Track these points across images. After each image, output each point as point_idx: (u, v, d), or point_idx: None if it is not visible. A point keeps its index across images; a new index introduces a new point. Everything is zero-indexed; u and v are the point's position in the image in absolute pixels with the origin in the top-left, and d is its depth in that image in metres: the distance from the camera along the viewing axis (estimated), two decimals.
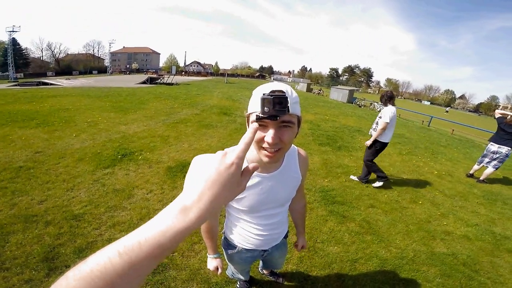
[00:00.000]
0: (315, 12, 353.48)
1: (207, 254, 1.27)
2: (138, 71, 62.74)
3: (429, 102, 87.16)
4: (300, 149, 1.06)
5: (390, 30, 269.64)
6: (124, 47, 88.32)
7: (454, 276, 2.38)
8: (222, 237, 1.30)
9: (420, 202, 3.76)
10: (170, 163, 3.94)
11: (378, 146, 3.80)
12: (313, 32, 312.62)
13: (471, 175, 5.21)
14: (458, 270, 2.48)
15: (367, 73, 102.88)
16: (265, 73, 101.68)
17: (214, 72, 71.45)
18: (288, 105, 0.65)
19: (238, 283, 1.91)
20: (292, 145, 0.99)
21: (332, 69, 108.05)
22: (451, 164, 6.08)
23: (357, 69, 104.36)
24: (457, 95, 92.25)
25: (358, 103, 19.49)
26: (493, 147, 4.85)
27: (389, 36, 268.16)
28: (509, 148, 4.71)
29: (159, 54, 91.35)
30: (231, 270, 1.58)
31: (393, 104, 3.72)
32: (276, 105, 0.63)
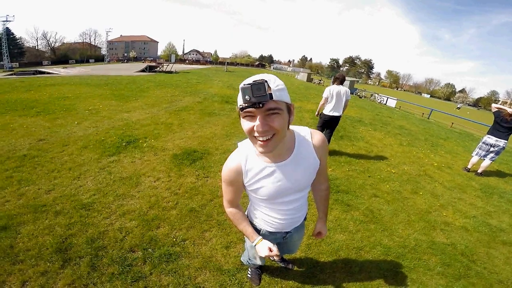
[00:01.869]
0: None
1: (251, 243, 1.18)
2: (136, 59, 61.64)
3: (429, 95, 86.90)
4: (315, 131, 1.04)
5: (395, 21, 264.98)
6: (121, 35, 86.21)
7: (453, 265, 2.47)
8: None
9: (421, 193, 3.82)
10: (175, 150, 3.95)
11: (322, 117, 4.53)
12: (314, 21, 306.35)
13: (468, 170, 5.25)
14: (457, 259, 2.56)
15: (368, 64, 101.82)
16: (265, 62, 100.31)
17: (214, 60, 70.36)
18: (270, 92, 0.68)
19: (250, 270, 1.95)
20: (306, 128, 1.03)
21: (332, 59, 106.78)
22: (451, 157, 6.13)
23: (358, 60, 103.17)
24: (457, 89, 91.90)
25: (358, 94, 19.40)
26: (491, 140, 4.88)
27: (393, 27, 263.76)
28: (506, 141, 4.75)
29: (157, 42, 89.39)
30: (247, 255, 1.63)
31: (338, 84, 4.36)
32: (256, 91, 0.65)
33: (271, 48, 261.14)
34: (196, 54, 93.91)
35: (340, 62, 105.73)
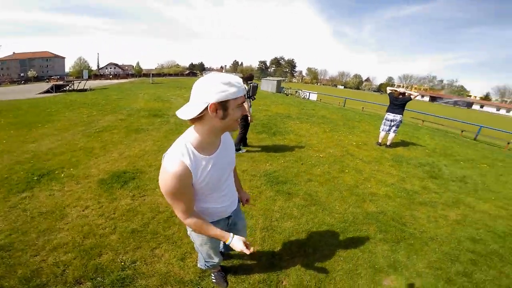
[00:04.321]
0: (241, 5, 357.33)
1: (225, 242, 1.21)
2: (38, 79, 51.47)
3: (343, 86, 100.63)
4: None
5: (312, 20, 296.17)
6: (14, 53, 70.95)
7: (390, 231, 2.82)
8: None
9: (347, 170, 4.43)
10: (101, 175, 3.55)
11: None
12: (242, 25, 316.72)
13: (380, 144, 6.39)
14: (390, 225, 2.93)
15: (291, 64, 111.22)
16: (196, 70, 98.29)
17: (136, 73, 64.95)
18: None
19: (213, 275, 1.93)
20: None
21: (261, 61, 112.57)
22: (365, 135, 7.31)
23: (282, 60, 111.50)
24: (364, 78, 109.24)
25: (285, 92, 21.02)
26: (390, 116, 6.07)
27: (310, 26, 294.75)
28: (401, 115, 5.98)
29: (64, 58, 76.89)
30: (202, 259, 1.63)
31: (247, 83, 4.51)
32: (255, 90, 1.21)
33: (201, 55, 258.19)
34: (115, 68, 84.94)
35: (268, 63, 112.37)
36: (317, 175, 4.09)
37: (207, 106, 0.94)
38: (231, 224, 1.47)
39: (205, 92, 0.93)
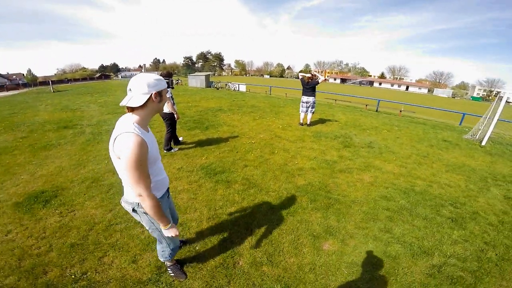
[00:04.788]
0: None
1: (167, 227, 1.52)
2: None
3: (269, 76, 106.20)
4: None
5: (238, 11, 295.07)
6: None
7: (318, 199, 3.21)
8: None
9: (276, 151, 4.97)
10: (15, 199, 3.13)
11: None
12: (161, 21, 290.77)
13: (302, 124, 7.29)
14: (318, 194, 3.33)
15: (219, 58, 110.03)
16: (108, 72, 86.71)
17: (29, 82, 53.21)
18: None
19: (170, 269, 2.03)
20: None
21: (186, 57, 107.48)
22: (289, 118, 8.20)
23: (209, 54, 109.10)
24: (286, 67, 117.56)
25: (215, 86, 21.05)
26: (304, 98, 6.99)
27: (236, 18, 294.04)
28: (314, 97, 6.95)
29: None
30: (167, 248, 1.82)
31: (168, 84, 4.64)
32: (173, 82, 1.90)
33: (114, 56, 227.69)
34: None
35: (194, 59, 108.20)
36: (251, 160, 4.50)
37: (151, 95, 1.34)
38: (169, 196, 1.79)
39: (147, 87, 1.32)
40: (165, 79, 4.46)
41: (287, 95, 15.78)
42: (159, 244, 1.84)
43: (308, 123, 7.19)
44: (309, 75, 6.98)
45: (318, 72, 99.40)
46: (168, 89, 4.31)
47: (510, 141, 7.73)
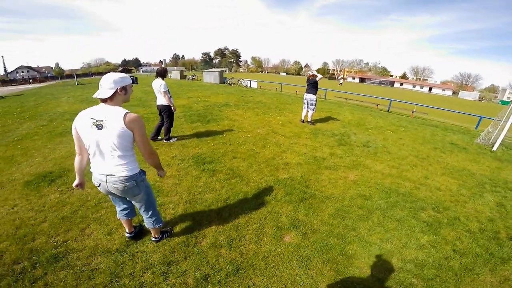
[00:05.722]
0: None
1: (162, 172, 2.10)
2: None
3: (285, 73, 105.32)
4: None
5: (255, 8, 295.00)
6: None
7: (294, 193, 3.31)
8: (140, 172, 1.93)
9: (268, 146, 5.10)
10: (26, 178, 3.53)
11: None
12: (181, 16, 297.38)
13: (303, 121, 7.34)
14: (295, 188, 3.44)
15: (236, 54, 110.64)
16: (130, 66, 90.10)
17: (57, 75, 56.55)
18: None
19: (165, 234, 2.42)
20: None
21: (204, 53, 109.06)
22: (292, 115, 8.26)
23: (226, 50, 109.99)
24: (303, 65, 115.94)
25: (228, 82, 21.40)
26: (305, 95, 7.01)
27: (253, 15, 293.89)
28: (314, 95, 6.93)
29: None
30: (158, 214, 2.28)
31: (156, 78, 4.70)
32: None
33: (136, 51, 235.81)
34: (28, 71, 72.07)
35: (212, 55, 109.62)
36: (242, 152, 4.67)
37: (116, 90, 1.69)
38: None
39: (113, 83, 1.69)
40: (156, 76, 4.74)
41: (297, 92, 15.75)
42: (147, 213, 2.15)
43: (308, 120, 7.21)
44: (310, 72, 7.01)
45: (338, 71, 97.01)
46: (163, 82, 4.63)
47: None
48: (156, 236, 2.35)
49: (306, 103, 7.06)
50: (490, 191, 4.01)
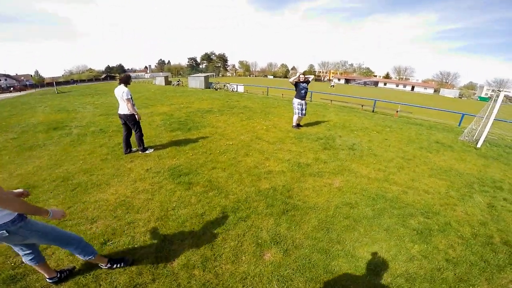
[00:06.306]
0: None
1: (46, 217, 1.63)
2: None
3: (272, 76, 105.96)
4: None
5: (239, 12, 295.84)
6: None
7: (275, 205, 3.10)
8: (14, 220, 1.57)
9: (251, 153, 4.83)
10: None
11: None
12: (166, 22, 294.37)
13: (299, 125, 6.97)
14: (277, 199, 3.21)
15: (223, 58, 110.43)
16: (114, 73, 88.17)
17: (37, 83, 54.58)
18: None
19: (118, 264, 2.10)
20: None
21: (190, 58, 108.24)
22: (277, 119, 8.07)
23: (213, 55, 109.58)
24: (290, 67, 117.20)
25: (214, 87, 21.06)
26: (301, 101, 6.70)
27: (239, 18, 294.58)
28: (295, 98, 6.65)
29: None
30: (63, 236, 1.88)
31: (119, 85, 4.37)
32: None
33: (120, 57, 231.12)
34: (6, 79, 69.26)
35: (198, 60, 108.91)
36: (222, 162, 4.39)
37: None
38: None
39: None
40: (118, 83, 4.35)
41: (283, 95, 15.65)
42: (65, 248, 1.88)
43: (294, 124, 6.97)
44: (302, 76, 6.73)
45: (324, 73, 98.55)
46: (126, 89, 4.28)
47: (509, 143, 7.44)
48: (103, 265, 2.07)
49: (300, 108, 6.77)
50: (479, 191, 3.92)
